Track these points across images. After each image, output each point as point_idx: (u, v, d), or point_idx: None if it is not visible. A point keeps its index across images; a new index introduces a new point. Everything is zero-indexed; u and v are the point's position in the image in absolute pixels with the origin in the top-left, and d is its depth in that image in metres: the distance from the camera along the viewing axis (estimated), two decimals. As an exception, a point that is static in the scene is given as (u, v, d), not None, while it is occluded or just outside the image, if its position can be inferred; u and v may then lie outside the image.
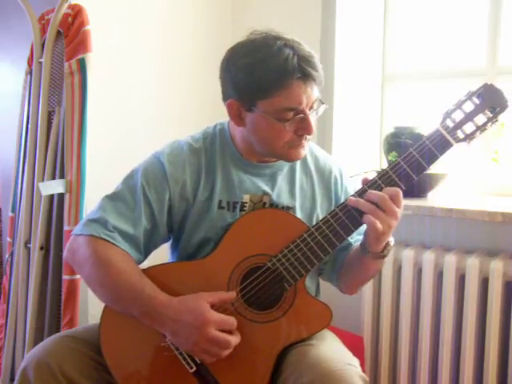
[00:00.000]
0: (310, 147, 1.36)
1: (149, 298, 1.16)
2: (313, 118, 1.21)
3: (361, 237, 1.36)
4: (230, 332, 1.17)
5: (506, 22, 2.04)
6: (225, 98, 1.25)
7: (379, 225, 1.15)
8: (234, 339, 1.17)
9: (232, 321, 1.17)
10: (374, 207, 1.16)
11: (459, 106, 1.20)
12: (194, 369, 1.19)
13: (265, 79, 1.15)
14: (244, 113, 1.22)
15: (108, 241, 1.22)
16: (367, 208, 1.16)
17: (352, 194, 1.22)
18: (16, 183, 2.00)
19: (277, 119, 1.18)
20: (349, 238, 1.34)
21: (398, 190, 1.17)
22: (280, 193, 1.32)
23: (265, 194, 1.31)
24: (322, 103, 1.23)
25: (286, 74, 1.14)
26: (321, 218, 1.31)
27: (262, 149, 1.26)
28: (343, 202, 1.22)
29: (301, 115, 1.19)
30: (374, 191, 1.17)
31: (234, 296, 1.21)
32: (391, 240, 1.23)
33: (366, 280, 1.38)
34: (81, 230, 1.25)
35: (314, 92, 1.19)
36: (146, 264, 1.30)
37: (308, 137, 1.24)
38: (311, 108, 1.21)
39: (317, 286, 1.42)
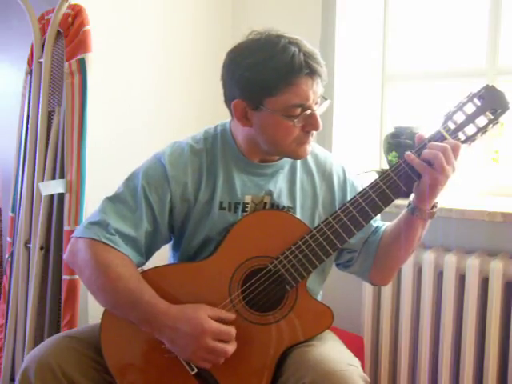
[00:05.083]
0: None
1: (148, 304, 1.16)
2: (318, 113, 1.22)
3: (382, 222, 1.35)
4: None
5: (506, 22, 2.04)
6: (228, 100, 1.25)
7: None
8: (232, 347, 1.17)
9: (230, 331, 1.16)
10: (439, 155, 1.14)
11: (460, 107, 1.20)
12: (195, 371, 1.19)
13: (273, 76, 1.16)
14: (250, 112, 1.22)
15: (108, 244, 1.21)
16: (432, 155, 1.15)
17: (360, 189, 1.22)
18: (16, 183, 2.00)
19: (285, 116, 1.19)
20: (373, 223, 1.34)
21: (459, 143, 1.17)
22: (280, 193, 1.31)
23: (266, 194, 1.30)
24: (325, 99, 1.24)
25: (293, 71, 1.16)
26: (323, 216, 1.31)
27: (269, 148, 1.26)
28: (344, 204, 1.22)
29: (308, 111, 1.20)
30: (435, 143, 1.16)
31: (233, 317, 1.20)
32: (438, 202, 1.24)
33: (406, 254, 1.33)
34: (81, 233, 1.25)
35: (318, 88, 1.21)
36: (146, 264, 1.30)
37: (314, 133, 1.24)
38: (316, 104, 1.22)
39: (319, 288, 1.42)
